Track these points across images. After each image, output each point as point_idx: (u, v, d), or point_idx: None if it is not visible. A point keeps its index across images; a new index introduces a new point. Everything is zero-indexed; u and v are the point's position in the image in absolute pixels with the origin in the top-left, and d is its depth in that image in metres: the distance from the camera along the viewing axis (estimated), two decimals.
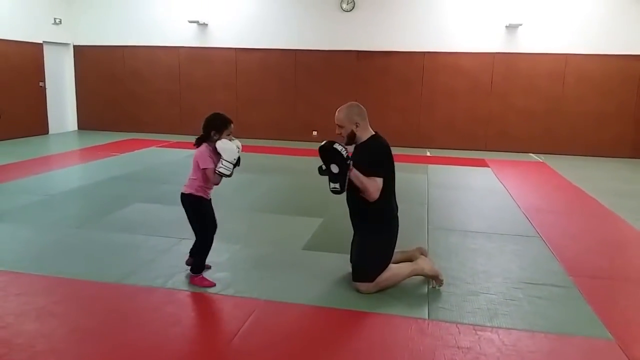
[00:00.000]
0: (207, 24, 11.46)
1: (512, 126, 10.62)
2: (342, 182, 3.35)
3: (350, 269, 3.63)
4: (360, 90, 10.95)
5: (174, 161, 8.51)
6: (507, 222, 5.37)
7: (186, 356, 2.67)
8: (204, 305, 3.25)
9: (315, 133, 11.32)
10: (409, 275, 3.59)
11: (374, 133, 3.56)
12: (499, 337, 2.95)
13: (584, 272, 4.01)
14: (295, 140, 11.28)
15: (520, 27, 10.23)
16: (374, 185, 3.36)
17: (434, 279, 3.61)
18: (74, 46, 12.14)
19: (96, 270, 3.74)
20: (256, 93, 11.51)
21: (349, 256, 3.77)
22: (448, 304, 3.37)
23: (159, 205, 5.64)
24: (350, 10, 10.83)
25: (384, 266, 3.48)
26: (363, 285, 3.46)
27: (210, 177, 3.41)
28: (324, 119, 11.36)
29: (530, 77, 10.41)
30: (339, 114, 3.52)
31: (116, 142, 10.47)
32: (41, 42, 11.18)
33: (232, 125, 3.47)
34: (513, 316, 3.21)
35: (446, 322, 3.13)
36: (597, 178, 8.07)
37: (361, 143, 3.52)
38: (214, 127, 3.41)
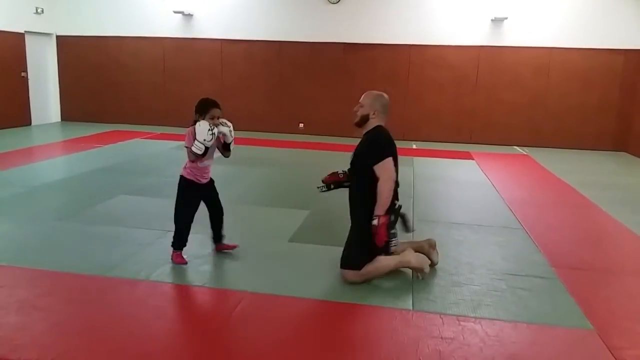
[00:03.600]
0: (192, 15, 11.34)
1: (497, 119, 10.68)
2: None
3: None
4: (347, 82, 10.94)
5: (159, 153, 8.44)
6: (491, 214, 5.42)
7: (171, 349, 2.66)
8: (189, 297, 3.24)
9: (301, 125, 11.30)
10: (395, 267, 3.62)
11: (380, 125, 3.61)
12: (482, 327, 2.98)
13: (566, 263, 4.06)
14: (281, 132, 11.25)
15: (505, 20, 10.28)
16: (384, 186, 3.40)
17: (418, 271, 3.65)
18: (57, 36, 11.94)
19: (79, 263, 3.70)
20: (242, 84, 11.44)
21: (335, 248, 3.78)
22: (432, 295, 3.40)
23: (144, 197, 5.59)
24: (337, 2, 10.79)
25: (372, 256, 3.51)
26: (349, 273, 3.48)
27: (188, 155, 3.63)
28: (310, 111, 11.37)
29: (515, 70, 10.47)
30: (366, 97, 3.62)
31: (100, 133, 10.34)
32: (22, 31, 10.97)
33: (215, 109, 3.66)
34: (496, 307, 3.25)
35: (430, 312, 3.16)
36: (580, 171, 8.17)
37: (367, 132, 3.60)
38: (197, 111, 3.67)
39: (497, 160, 8.90)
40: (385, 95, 3.66)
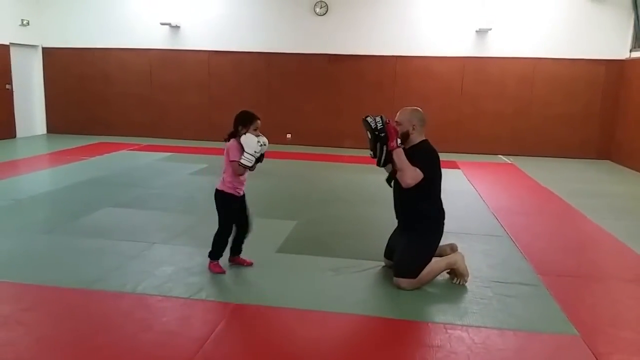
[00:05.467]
0: (179, 26, 11.35)
1: (482, 129, 10.79)
2: (373, 151, 3.55)
3: (329, 270, 3.65)
4: (334, 93, 11.00)
5: (145, 165, 8.40)
6: (477, 222, 5.46)
7: None
8: (175, 310, 3.22)
9: (289, 136, 11.31)
10: (445, 269, 3.71)
11: (425, 139, 3.70)
12: (469, 335, 2.99)
13: (551, 270, 4.10)
14: (269, 143, 11.23)
15: (490, 31, 10.41)
16: (413, 173, 3.48)
17: (460, 276, 3.71)
18: (43, 48, 11.88)
19: (64, 276, 3.66)
20: (229, 96, 11.44)
21: (323, 258, 3.79)
22: (419, 303, 3.42)
23: (129, 209, 5.56)
24: (324, 14, 10.87)
25: (426, 263, 3.60)
26: (405, 281, 3.55)
27: (234, 169, 3.63)
28: (298, 121, 11.39)
29: (500, 80, 10.60)
30: (402, 114, 3.68)
31: (86, 145, 10.28)
32: (8, 43, 10.91)
33: (258, 121, 3.68)
34: (483, 314, 3.27)
35: (417, 321, 3.17)
36: (564, 179, 8.26)
37: (413, 145, 3.64)
38: (241, 122, 3.66)
39: (482, 169, 8.98)
40: (420, 109, 3.73)
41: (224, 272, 3.78)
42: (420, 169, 3.49)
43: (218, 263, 3.83)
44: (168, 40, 11.46)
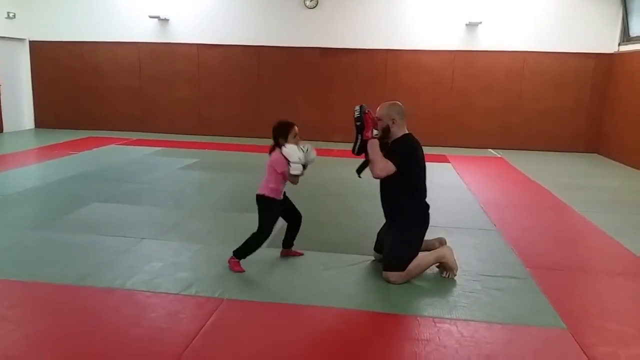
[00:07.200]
0: (168, 20, 11.25)
1: (471, 122, 10.82)
2: (355, 141, 3.63)
3: (319, 265, 3.65)
4: (325, 87, 10.96)
5: (135, 159, 8.34)
6: (466, 216, 5.49)
7: (146, 358, 2.64)
8: (164, 305, 3.20)
9: None
10: (434, 262, 3.74)
11: (407, 132, 3.73)
12: (457, 328, 3.01)
13: (540, 263, 4.13)
14: (259, 137, 11.20)
15: (479, 25, 10.42)
16: (383, 165, 3.51)
17: (449, 270, 3.74)
18: (30, 42, 11.73)
19: (52, 272, 3.64)
20: (219, 89, 11.39)
21: (312, 253, 3.80)
22: (408, 297, 3.43)
23: (119, 204, 5.52)
24: (314, 7, 10.82)
25: (414, 256, 3.63)
26: (394, 275, 3.57)
27: (287, 178, 3.67)
28: (288, 115, 11.17)
29: (490, 74, 10.62)
30: (381, 109, 3.72)
31: (75, 140, 10.18)
32: None
33: (295, 127, 3.72)
34: (471, 308, 3.29)
35: (406, 314, 3.18)
36: (553, 172, 8.31)
37: (396, 139, 3.68)
38: (280, 134, 3.70)
39: (472, 163, 9.02)
40: (398, 102, 3.76)
41: (243, 271, 3.74)
42: (394, 161, 3.52)
43: (240, 262, 3.79)
44: (157, 33, 11.36)
